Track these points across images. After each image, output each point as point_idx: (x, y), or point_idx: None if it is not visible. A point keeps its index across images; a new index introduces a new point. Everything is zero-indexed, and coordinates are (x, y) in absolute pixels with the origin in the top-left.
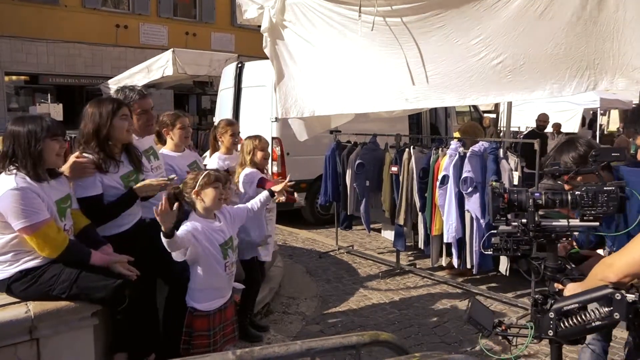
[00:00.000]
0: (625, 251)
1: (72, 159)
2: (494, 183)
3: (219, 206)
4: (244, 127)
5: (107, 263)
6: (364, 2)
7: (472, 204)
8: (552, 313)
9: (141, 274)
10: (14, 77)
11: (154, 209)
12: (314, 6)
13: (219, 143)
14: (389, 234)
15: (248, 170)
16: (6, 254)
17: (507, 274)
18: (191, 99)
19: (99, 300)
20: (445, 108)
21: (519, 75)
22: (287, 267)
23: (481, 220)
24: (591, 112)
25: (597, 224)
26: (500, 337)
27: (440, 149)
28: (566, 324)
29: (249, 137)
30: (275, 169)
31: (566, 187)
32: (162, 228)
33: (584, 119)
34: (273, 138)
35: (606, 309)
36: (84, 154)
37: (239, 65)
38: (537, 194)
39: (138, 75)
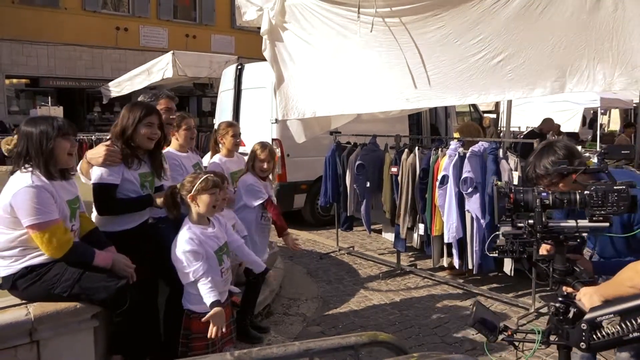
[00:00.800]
0: None
1: (102, 145)
2: (499, 183)
3: (212, 213)
4: (244, 128)
5: (111, 260)
6: (363, 3)
7: (473, 204)
8: (584, 324)
9: (143, 276)
10: (14, 80)
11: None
12: (314, 7)
13: (220, 145)
14: (389, 235)
15: (245, 176)
16: (14, 249)
17: (512, 274)
18: (191, 100)
19: (99, 301)
20: (445, 108)
21: (519, 74)
22: (287, 268)
23: (481, 221)
24: (592, 111)
25: (607, 224)
26: (506, 342)
27: (440, 149)
28: (599, 335)
29: (258, 144)
30: (275, 170)
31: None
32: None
33: (584, 118)
34: (273, 139)
35: None
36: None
37: (239, 67)
38: (544, 194)
39: (138, 78)
